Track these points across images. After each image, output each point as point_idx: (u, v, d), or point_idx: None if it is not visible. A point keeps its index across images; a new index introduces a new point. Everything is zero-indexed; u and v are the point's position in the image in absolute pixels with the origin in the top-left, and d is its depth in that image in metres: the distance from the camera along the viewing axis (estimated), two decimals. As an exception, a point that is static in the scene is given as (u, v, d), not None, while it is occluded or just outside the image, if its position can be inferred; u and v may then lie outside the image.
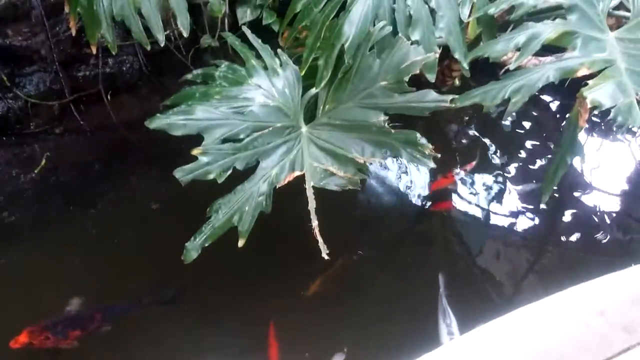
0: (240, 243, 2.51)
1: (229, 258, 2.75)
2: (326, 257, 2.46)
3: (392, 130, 2.46)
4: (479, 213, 3.57)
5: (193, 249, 2.48)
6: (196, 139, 2.61)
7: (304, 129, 2.69)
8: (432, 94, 2.43)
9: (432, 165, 2.34)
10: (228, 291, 3.09)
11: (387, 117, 2.47)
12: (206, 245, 2.49)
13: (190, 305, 3.04)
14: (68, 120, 4.18)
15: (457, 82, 3.42)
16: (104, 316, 2.87)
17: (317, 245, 2.43)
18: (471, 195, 3.66)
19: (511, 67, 2.62)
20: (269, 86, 2.74)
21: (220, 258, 2.69)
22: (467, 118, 4.20)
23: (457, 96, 2.46)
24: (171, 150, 3.70)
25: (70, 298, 2.97)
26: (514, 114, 2.68)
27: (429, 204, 3.59)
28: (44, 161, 3.81)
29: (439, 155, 2.33)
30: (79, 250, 3.31)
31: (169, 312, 3.00)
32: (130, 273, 3.16)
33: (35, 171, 3.76)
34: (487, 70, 3.05)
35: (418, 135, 2.40)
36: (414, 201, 3.65)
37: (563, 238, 3.45)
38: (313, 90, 2.72)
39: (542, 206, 3.55)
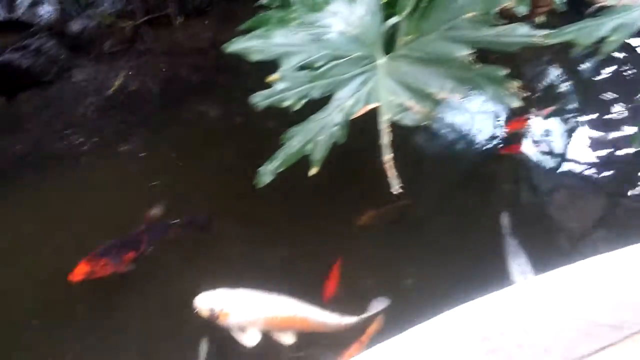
0: (312, 171, 2.54)
1: (294, 187, 2.77)
2: (395, 192, 2.47)
3: (477, 66, 2.36)
4: (551, 159, 3.45)
5: (265, 173, 2.52)
6: (263, 68, 2.61)
7: (382, 60, 2.62)
8: (523, 28, 2.30)
9: (518, 103, 2.24)
10: (290, 219, 3.14)
11: (472, 52, 2.36)
12: (278, 171, 2.53)
13: (243, 231, 3.10)
14: (139, 42, 4.24)
15: (542, 18, 3.21)
16: (149, 237, 2.92)
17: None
18: (544, 140, 3.51)
19: (608, 2, 2.44)
20: (347, 13, 2.66)
21: (286, 186, 2.71)
22: (547, 59, 3.98)
23: (549, 31, 2.31)
24: (240, 77, 3.76)
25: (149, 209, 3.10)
26: (602, 56, 2.50)
27: (499, 146, 3.48)
28: (118, 81, 3.91)
29: (527, 94, 2.23)
30: (149, 168, 3.46)
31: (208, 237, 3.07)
32: (192, 193, 3.28)
33: (110, 91, 3.87)
34: (573, 10, 2.84)
35: (504, 71, 2.29)
36: (483, 142, 3.55)
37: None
38: (394, 20, 2.62)
39: (620, 153, 3.39)
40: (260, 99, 2.43)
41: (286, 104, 2.45)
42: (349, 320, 2.58)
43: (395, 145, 2.49)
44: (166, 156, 3.53)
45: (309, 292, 2.68)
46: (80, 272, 2.65)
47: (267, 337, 2.51)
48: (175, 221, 3.03)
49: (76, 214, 3.20)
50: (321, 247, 2.98)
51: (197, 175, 3.39)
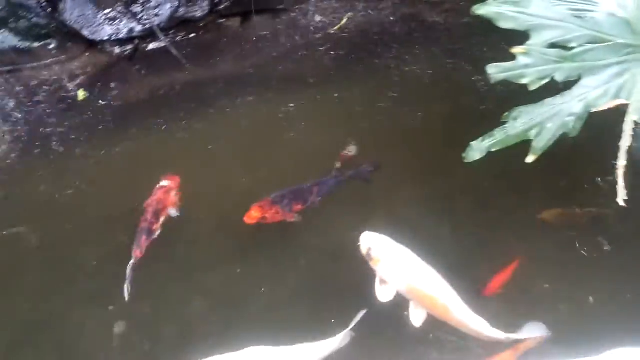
0: (530, 159, 2.33)
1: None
2: (621, 202, 2.18)
3: None
4: None
5: (478, 149, 2.38)
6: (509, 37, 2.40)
7: (649, 52, 2.25)
8: None
9: None
10: (475, 200, 3.04)
11: None
12: (493, 150, 2.37)
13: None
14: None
15: None
16: (319, 190, 2.95)
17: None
18: None
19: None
20: (623, -8, 2.30)
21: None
22: None
23: None
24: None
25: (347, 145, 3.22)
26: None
27: None
28: (344, 20, 3.97)
29: None
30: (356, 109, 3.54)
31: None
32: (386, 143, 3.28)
33: (335, 28, 3.95)
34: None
35: None
36: None
37: None
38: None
39: None
40: (497, 70, 2.26)
41: (524, 81, 2.24)
42: (498, 334, 2.34)
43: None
44: (370, 101, 3.56)
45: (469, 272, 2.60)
46: (253, 216, 2.79)
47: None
48: (342, 174, 3.06)
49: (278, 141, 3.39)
50: (497, 232, 2.85)
51: (394, 125, 3.39)
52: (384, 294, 2.43)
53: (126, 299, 2.68)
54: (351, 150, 3.22)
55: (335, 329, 2.43)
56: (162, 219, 2.91)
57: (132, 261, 2.75)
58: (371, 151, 3.25)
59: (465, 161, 2.41)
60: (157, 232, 2.87)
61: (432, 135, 3.32)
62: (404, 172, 3.16)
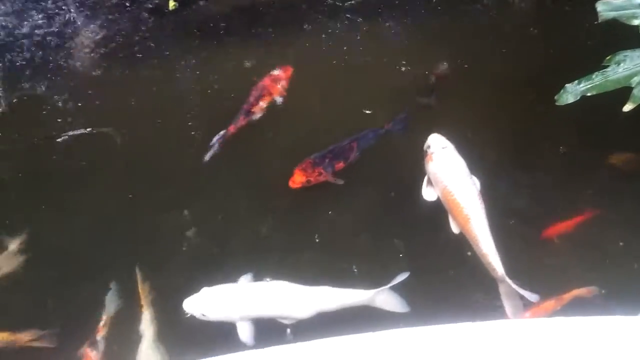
0: (627, 108, 2.21)
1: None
2: None
3: None
4: None
5: (572, 92, 2.28)
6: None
7: None
8: None
9: None
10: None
11: None
12: (588, 94, 2.26)
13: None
14: None
15: None
16: (358, 145, 2.90)
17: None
18: None
19: None
20: None
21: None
22: None
23: None
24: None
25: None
26: None
27: None
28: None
29: None
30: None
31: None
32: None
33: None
34: None
35: None
36: None
37: None
38: None
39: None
40: (606, 8, 2.12)
41: (635, 22, 2.10)
42: (498, 268, 2.31)
43: None
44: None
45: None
46: (297, 180, 2.79)
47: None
48: (381, 128, 2.99)
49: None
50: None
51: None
52: (428, 193, 2.58)
53: (205, 160, 2.91)
54: (444, 67, 3.20)
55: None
56: (264, 104, 3.05)
57: (222, 132, 2.95)
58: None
59: (557, 104, 2.32)
60: (257, 115, 3.03)
61: (519, 73, 3.20)
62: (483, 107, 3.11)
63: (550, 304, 2.39)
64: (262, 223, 2.82)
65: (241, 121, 3.01)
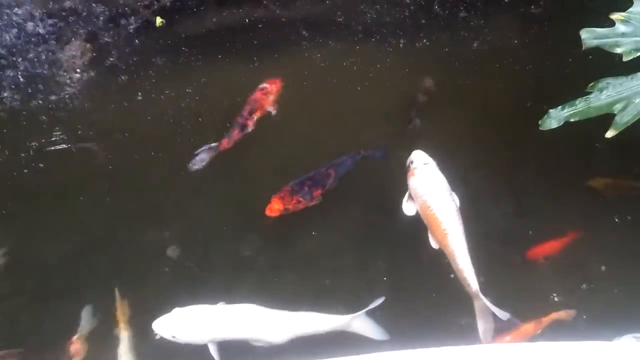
0: (610, 134, 2.23)
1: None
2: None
3: None
4: None
5: (556, 118, 2.28)
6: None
7: None
8: None
9: None
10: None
11: None
12: (571, 120, 2.28)
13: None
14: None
15: None
16: (336, 172, 2.90)
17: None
18: None
19: None
20: None
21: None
22: None
23: None
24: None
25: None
26: None
27: None
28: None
29: None
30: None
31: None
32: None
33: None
34: None
35: None
36: None
37: None
38: None
39: None
40: (590, 35, 2.14)
41: (618, 50, 2.13)
42: (473, 283, 2.32)
43: None
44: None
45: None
46: (275, 209, 2.76)
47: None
48: (358, 154, 3.00)
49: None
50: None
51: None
52: (407, 208, 2.61)
53: (191, 169, 2.93)
54: (429, 83, 3.27)
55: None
56: (256, 117, 3.11)
57: (216, 144, 2.98)
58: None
59: (541, 128, 2.33)
60: (250, 129, 3.08)
61: (506, 96, 3.26)
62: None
63: (530, 327, 2.39)
64: (244, 242, 2.78)
65: (235, 135, 3.04)
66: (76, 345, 2.46)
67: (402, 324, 2.48)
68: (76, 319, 2.52)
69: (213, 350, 2.39)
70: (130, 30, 3.62)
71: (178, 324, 2.36)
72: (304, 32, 3.62)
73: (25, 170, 3.01)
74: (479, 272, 2.34)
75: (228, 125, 3.09)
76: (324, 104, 3.28)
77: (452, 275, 2.43)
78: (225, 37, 3.63)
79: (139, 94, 3.34)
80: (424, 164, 2.60)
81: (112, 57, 3.51)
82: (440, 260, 2.47)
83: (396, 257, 2.71)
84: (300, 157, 3.06)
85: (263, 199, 2.80)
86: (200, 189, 2.96)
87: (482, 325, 2.33)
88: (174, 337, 2.35)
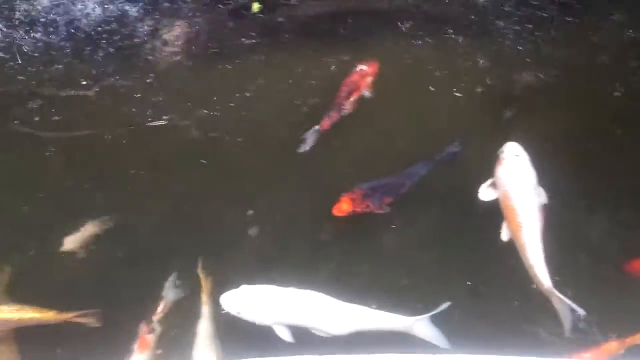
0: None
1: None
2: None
3: None
4: None
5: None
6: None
7: None
8: None
9: None
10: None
11: None
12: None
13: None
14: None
15: None
16: (410, 180, 2.83)
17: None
18: None
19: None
20: None
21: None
22: None
23: None
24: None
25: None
26: None
27: None
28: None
29: None
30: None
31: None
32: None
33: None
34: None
35: None
36: None
37: None
38: None
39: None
40: None
41: None
42: (545, 281, 2.27)
43: None
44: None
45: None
46: (343, 209, 2.74)
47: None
48: (432, 160, 2.92)
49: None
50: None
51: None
52: (485, 193, 2.62)
53: (300, 151, 2.98)
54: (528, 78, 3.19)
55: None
56: (354, 99, 3.14)
57: (317, 127, 3.01)
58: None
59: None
60: (348, 110, 3.11)
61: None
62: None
63: (612, 345, 2.28)
64: (324, 230, 2.81)
65: (334, 116, 3.08)
66: (159, 313, 2.58)
67: (479, 329, 2.43)
68: (161, 286, 2.63)
69: (280, 331, 2.43)
70: (227, 14, 3.69)
71: (244, 301, 2.43)
72: (398, 23, 3.59)
73: (124, 143, 3.15)
74: (566, 283, 2.29)
75: (324, 109, 3.10)
76: (413, 96, 3.26)
77: (534, 286, 2.36)
78: (319, 24, 3.66)
79: (234, 75, 3.43)
80: (515, 155, 2.60)
81: (207, 40, 3.60)
82: (526, 270, 2.39)
83: (478, 260, 2.65)
84: (385, 149, 3.07)
85: (342, 189, 2.82)
86: (285, 173, 3.01)
87: (566, 323, 2.29)
88: (238, 313, 2.43)
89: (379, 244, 2.76)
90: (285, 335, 2.42)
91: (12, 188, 3.02)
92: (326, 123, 3.05)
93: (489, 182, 2.62)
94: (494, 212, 2.57)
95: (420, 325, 2.37)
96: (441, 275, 2.64)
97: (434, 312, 2.34)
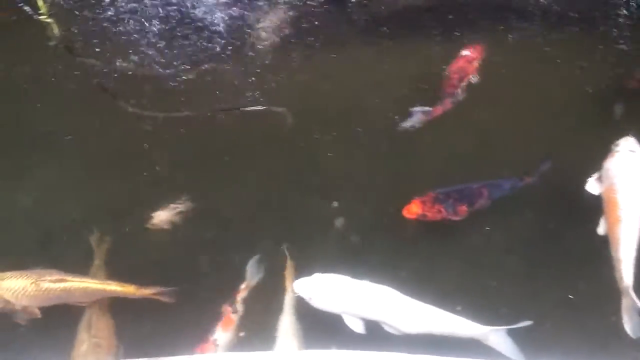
0: None
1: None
2: None
3: None
4: None
5: None
6: None
7: None
8: None
9: None
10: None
11: None
12: None
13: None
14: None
15: None
16: (489, 193, 2.70)
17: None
18: None
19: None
20: None
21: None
22: None
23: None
24: None
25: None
26: None
27: None
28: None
29: None
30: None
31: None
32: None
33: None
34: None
35: None
36: None
37: None
38: None
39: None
40: None
41: None
42: None
43: None
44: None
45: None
46: (413, 211, 2.68)
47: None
48: (521, 180, 2.77)
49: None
50: None
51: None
52: (592, 186, 2.55)
53: (403, 126, 2.99)
54: None
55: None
56: (464, 85, 3.13)
57: (429, 109, 3.02)
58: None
59: None
60: (460, 97, 3.11)
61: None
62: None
63: None
64: (410, 226, 2.76)
65: (447, 104, 3.07)
66: (242, 294, 2.62)
67: (569, 341, 2.33)
68: (243, 270, 2.67)
69: (349, 321, 2.43)
70: (324, 4, 3.70)
71: (316, 288, 2.46)
72: (494, 16, 3.54)
73: (215, 129, 3.22)
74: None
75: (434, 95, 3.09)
76: (510, 93, 3.19)
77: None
78: (415, 17, 3.62)
79: (330, 65, 3.46)
80: (630, 150, 2.56)
81: (306, 28, 3.62)
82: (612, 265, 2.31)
83: (570, 269, 2.56)
84: (478, 149, 2.99)
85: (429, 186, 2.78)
86: (374, 165, 3.01)
87: (629, 323, 2.25)
88: (310, 299, 2.46)
89: (466, 245, 2.70)
90: (356, 326, 2.42)
91: (114, 165, 3.14)
92: (438, 109, 3.03)
93: (596, 174, 2.58)
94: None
95: (496, 336, 2.31)
96: (531, 284, 2.56)
97: (511, 327, 2.27)
